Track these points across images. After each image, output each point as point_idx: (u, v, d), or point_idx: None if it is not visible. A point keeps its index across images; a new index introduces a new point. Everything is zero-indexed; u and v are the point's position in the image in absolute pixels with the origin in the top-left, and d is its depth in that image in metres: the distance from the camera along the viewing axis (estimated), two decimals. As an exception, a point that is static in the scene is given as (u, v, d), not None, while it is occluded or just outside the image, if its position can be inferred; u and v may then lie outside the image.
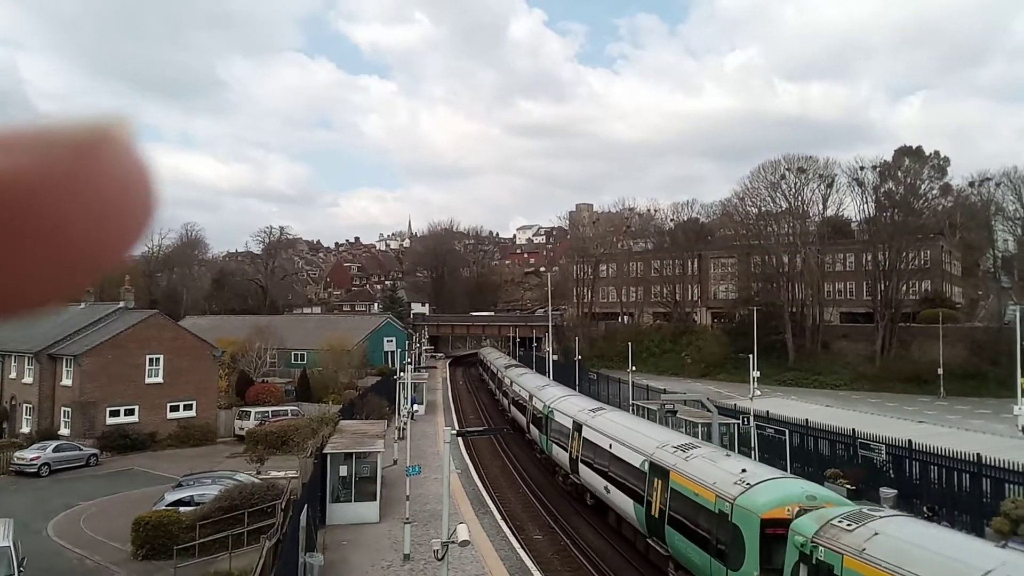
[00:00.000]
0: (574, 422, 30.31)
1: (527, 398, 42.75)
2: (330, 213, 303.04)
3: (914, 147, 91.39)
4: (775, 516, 15.79)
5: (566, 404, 34.19)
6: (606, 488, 25.56)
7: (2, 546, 18.67)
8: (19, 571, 18.23)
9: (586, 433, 28.55)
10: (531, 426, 40.53)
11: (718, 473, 18.51)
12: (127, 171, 0.44)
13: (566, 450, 31.04)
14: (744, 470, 18.08)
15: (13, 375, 46.36)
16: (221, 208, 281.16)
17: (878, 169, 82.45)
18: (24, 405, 45.10)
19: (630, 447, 23.90)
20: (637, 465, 22.68)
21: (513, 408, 49.44)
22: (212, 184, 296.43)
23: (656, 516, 20.76)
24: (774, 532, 15.66)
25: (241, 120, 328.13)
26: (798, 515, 15.26)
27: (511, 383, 51.92)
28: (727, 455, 21.02)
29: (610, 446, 25.49)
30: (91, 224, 0.41)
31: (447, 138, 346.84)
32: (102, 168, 0.42)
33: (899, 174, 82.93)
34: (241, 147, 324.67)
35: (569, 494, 31.62)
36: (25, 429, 44.05)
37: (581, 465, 28.58)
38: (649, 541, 21.62)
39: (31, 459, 36.14)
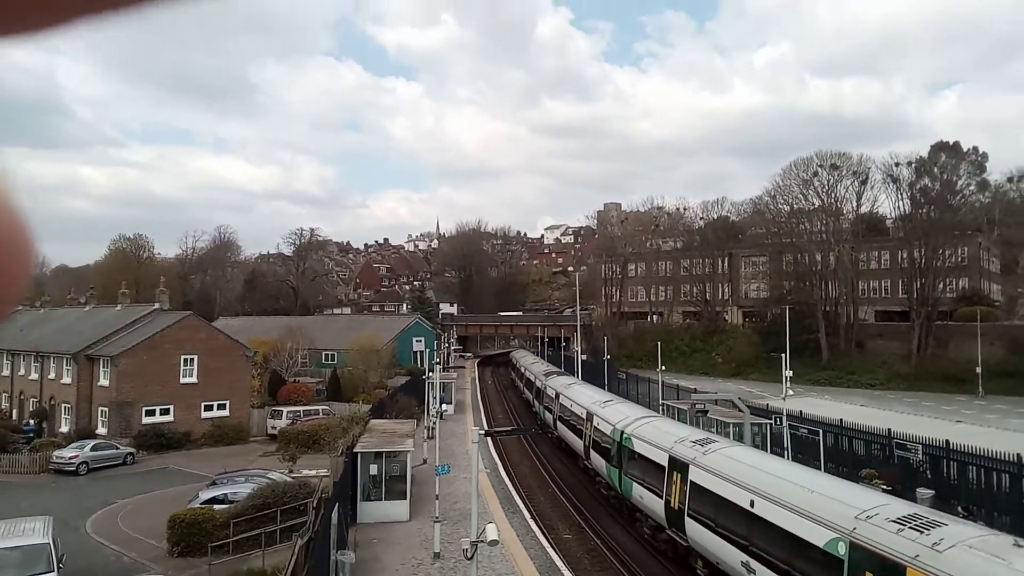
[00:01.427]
0: (672, 459, 22.37)
1: (583, 417, 34.76)
2: (359, 215, 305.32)
3: (951, 143, 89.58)
4: None
5: (651, 431, 25.88)
6: (746, 566, 17.21)
7: (41, 543, 19.07)
8: (58, 567, 18.59)
9: (696, 476, 20.50)
10: (591, 452, 32.33)
11: None
12: (2, 226, 0.41)
13: (658, 495, 22.96)
14: None
15: (52, 376, 47.40)
16: (253, 210, 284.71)
17: (914, 165, 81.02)
18: (63, 405, 46.10)
19: (797, 511, 15.80)
20: (820, 544, 14.76)
21: (561, 426, 40.62)
22: (244, 187, 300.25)
23: None
24: None
25: (272, 123, 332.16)
26: None
27: (557, 396, 42.93)
28: (1016, 545, 12.17)
29: (751, 503, 17.33)
30: None
31: (473, 139, 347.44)
32: None
33: (935, 170, 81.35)
34: (272, 149, 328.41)
35: (663, 553, 23.56)
36: (64, 428, 45.04)
37: (690, 521, 20.51)
38: None
39: (70, 458, 36.92)
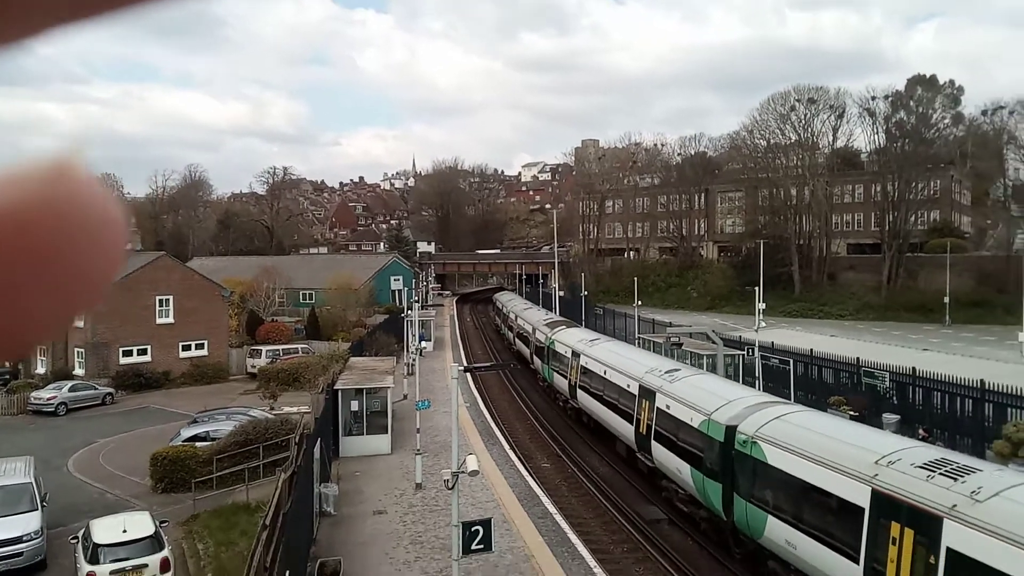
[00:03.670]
0: (885, 499, 12.85)
1: (632, 392, 24.56)
2: (332, 152, 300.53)
3: (927, 76, 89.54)
4: None
5: (810, 438, 15.57)
6: None
7: (24, 482, 19.19)
8: (42, 505, 18.77)
9: (967, 544, 11.15)
10: (654, 445, 22.27)
11: None
12: (97, 199, 0.42)
13: (849, 555, 13.39)
14: None
15: (25, 318, 46.85)
16: (222, 148, 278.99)
17: (890, 99, 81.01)
18: (38, 347, 45.79)
19: None
20: None
21: (587, 398, 30.18)
22: (211, 124, 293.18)
23: None
24: None
25: (238, 58, 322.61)
26: None
27: (575, 356, 32.36)
28: None
29: None
30: (78, 254, 0.40)
31: (447, 74, 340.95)
32: (77, 196, 0.41)
33: (911, 104, 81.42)
34: (239, 85, 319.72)
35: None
36: (40, 370, 44.83)
37: None
38: None
39: (48, 399, 36.86)
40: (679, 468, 20.16)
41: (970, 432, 24.80)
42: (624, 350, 31.39)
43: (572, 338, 35.19)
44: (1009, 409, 23.49)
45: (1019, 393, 23.32)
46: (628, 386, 25.02)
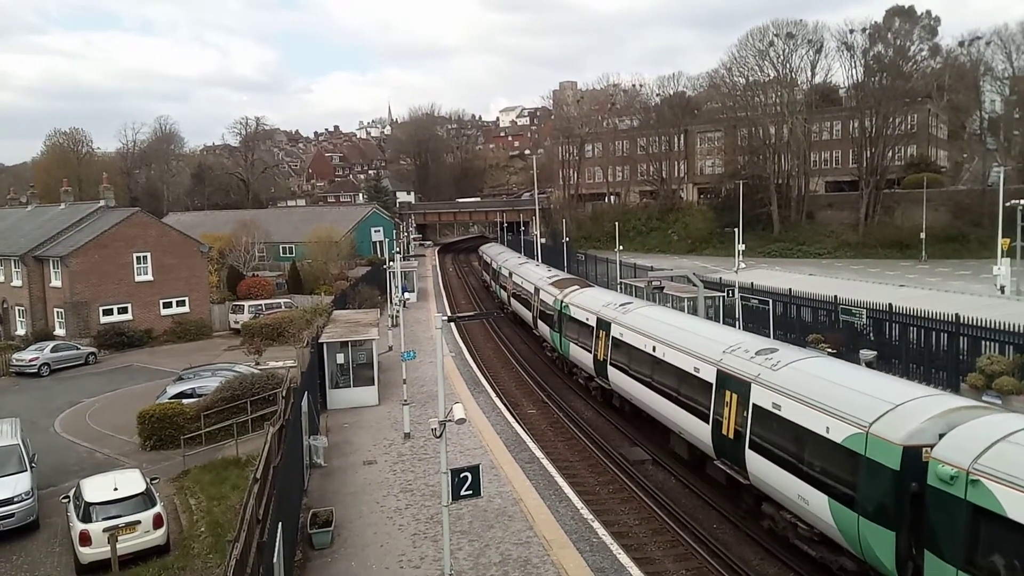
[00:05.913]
0: None
1: (707, 379, 18.26)
2: (305, 101, 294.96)
3: (905, 7, 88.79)
4: None
5: None
6: None
7: (11, 444, 19.14)
8: (31, 466, 18.80)
9: None
10: (748, 453, 15.96)
11: None
12: None
13: None
14: None
15: (1, 278, 46.25)
16: (190, 98, 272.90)
17: (868, 31, 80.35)
18: (16, 308, 45.30)
19: None
20: None
21: (627, 380, 23.88)
22: (177, 73, 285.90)
23: None
24: None
25: (200, 2, 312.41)
26: None
27: (604, 325, 26.04)
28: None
29: None
30: None
31: (419, 15, 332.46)
32: None
33: (889, 36, 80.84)
34: (204, 31, 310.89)
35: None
36: (20, 331, 44.47)
37: None
38: None
39: (30, 360, 36.63)
40: (803, 496, 13.94)
41: (945, 366, 25.37)
42: (676, 319, 24.01)
43: (594, 302, 28.40)
44: (983, 342, 24.00)
45: (993, 326, 23.80)
46: (697, 370, 18.72)
